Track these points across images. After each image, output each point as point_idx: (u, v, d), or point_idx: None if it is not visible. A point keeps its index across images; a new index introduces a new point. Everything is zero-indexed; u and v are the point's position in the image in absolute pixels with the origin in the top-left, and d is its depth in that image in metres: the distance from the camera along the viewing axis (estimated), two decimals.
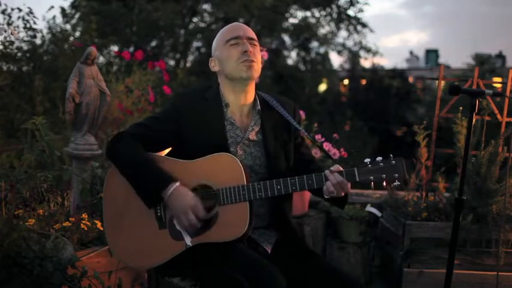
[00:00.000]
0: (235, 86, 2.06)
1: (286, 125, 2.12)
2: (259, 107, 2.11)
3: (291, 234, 2.13)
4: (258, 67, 2.05)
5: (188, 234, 1.93)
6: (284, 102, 2.15)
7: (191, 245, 1.93)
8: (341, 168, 1.91)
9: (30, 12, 5.46)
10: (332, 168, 1.91)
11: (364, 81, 19.68)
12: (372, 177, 1.88)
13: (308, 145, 2.28)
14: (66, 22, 7.34)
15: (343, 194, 1.92)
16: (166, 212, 1.97)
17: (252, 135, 2.08)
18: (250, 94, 2.10)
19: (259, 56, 2.08)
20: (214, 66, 2.11)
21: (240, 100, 2.08)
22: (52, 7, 6.58)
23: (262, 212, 2.07)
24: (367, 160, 1.90)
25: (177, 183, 1.91)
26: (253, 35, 2.08)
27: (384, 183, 1.89)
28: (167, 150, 2.14)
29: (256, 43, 2.09)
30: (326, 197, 1.93)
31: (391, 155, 1.90)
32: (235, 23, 2.15)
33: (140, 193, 1.95)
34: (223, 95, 2.09)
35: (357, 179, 1.89)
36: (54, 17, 6.80)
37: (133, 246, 2.01)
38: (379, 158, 1.89)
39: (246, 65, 2.01)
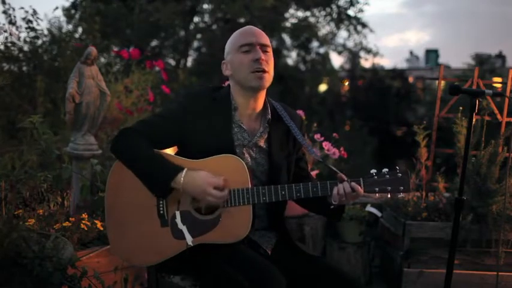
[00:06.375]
0: (246, 92, 2.04)
1: (293, 137, 2.11)
2: (269, 116, 2.08)
3: (286, 236, 2.14)
4: (269, 76, 2.02)
5: (189, 234, 1.93)
6: (293, 115, 2.14)
7: (192, 244, 1.93)
8: (345, 178, 1.90)
9: (34, 12, 5.47)
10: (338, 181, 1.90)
11: (363, 81, 19.66)
12: (377, 189, 1.89)
13: (306, 160, 2.28)
14: (69, 22, 7.34)
15: (351, 201, 1.92)
16: (169, 208, 1.96)
17: (261, 142, 2.07)
18: (261, 100, 2.08)
19: (271, 63, 2.04)
20: (226, 69, 2.09)
21: (250, 105, 2.06)
22: (57, 8, 6.59)
23: (261, 214, 2.07)
24: (373, 171, 1.90)
25: (185, 170, 1.90)
26: (267, 41, 2.05)
27: (389, 195, 1.91)
28: (169, 150, 2.14)
29: (269, 49, 2.05)
30: (334, 202, 1.91)
31: (397, 167, 1.90)
32: (248, 26, 2.10)
33: (149, 185, 1.94)
34: (233, 97, 2.07)
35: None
36: (59, 18, 6.81)
37: (134, 244, 2.00)
38: (385, 170, 1.90)
39: (257, 75, 1.98)
